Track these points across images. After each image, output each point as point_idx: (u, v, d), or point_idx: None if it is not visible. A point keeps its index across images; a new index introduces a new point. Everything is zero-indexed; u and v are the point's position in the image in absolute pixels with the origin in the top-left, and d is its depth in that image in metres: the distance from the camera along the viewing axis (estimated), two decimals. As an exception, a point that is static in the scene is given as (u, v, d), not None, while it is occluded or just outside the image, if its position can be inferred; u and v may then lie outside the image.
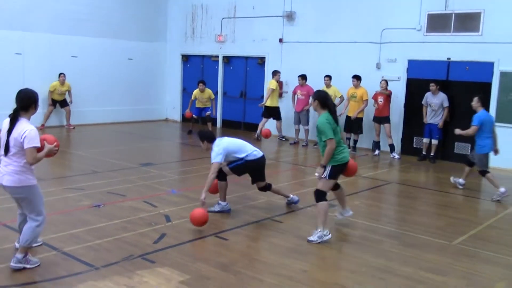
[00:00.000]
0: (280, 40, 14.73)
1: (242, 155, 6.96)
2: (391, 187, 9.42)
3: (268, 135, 12.55)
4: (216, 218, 6.82)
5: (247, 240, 6.11)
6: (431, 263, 5.55)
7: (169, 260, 5.28)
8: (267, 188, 7.33)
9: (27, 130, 4.70)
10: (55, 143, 4.98)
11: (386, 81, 12.06)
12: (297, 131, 13.78)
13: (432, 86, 11.46)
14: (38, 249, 5.43)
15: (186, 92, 17.27)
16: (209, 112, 14.58)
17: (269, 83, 13.93)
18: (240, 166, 7.02)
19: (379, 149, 12.42)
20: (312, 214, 7.27)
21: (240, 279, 4.93)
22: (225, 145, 6.90)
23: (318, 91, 6.53)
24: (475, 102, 8.77)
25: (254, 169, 7.12)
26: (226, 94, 16.40)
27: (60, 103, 14.65)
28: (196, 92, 14.61)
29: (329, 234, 6.06)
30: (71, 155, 11.24)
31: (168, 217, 6.74)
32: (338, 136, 6.17)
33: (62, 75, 14.42)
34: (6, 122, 4.85)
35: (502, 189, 8.45)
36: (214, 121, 16.20)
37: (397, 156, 12.03)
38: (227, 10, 15.92)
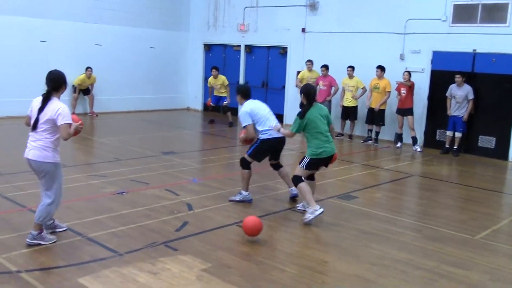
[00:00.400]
0: (303, 30, 14.65)
1: (259, 128, 6.93)
2: (413, 179, 9.35)
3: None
4: (237, 208, 6.86)
5: (269, 230, 6.12)
6: (453, 256, 5.51)
7: (191, 248, 5.33)
8: (277, 166, 7.26)
9: (61, 107, 5.00)
10: (80, 121, 5.20)
11: (409, 73, 11.91)
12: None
13: (458, 78, 11.27)
14: (63, 234, 5.53)
15: (208, 81, 17.29)
16: (226, 101, 14.49)
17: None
18: (257, 149, 6.99)
19: (401, 141, 12.31)
20: (334, 205, 7.27)
21: (262, 269, 4.96)
22: (248, 110, 6.95)
23: (305, 85, 6.84)
24: None
25: (269, 149, 7.05)
26: (248, 83, 16.37)
27: (83, 91, 14.84)
28: (210, 79, 14.68)
29: (319, 208, 6.28)
30: (94, 143, 11.38)
31: (190, 205, 6.80)
32: (320, 129, 6.40)
33: (89, 69, 14.59)
34: (37, 101, 5.12)
35: None
36: (234, 110, 16.24)
37: (419, 149, 11.91)
38: (249, -1, 15.90)
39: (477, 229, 6.51)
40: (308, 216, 6.29)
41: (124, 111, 15.96)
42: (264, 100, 15.86)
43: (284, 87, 15.43)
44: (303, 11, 14.56)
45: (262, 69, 16.07)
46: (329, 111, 13.13)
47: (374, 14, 13.13)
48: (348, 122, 13.28)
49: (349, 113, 13.07)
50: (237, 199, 7.12)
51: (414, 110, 12.07)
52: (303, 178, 6.53)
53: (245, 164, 7.04)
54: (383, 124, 12.53)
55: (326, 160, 6.60)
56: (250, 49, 16.22)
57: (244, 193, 7.14)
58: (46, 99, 5.05)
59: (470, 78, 11.49)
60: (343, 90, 13.09)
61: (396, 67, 12.55)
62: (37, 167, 5.10)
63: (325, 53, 13.94)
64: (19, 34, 13.58)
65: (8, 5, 13.31)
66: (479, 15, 11.50)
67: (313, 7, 14.30)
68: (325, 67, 13.25)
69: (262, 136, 6.96)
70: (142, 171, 8.62)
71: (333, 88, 13.26)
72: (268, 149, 7.04)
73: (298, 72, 14.80)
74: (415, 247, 5.76)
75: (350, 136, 13.10)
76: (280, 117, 15.33)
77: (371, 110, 12.52)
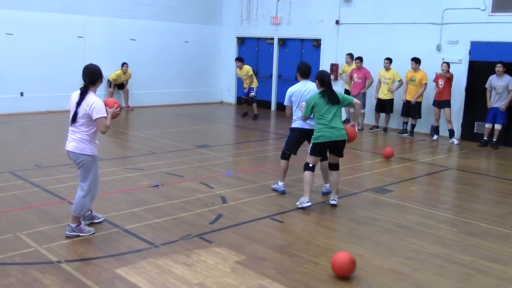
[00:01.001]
0: (337, 22, 14.51)
1: (293, 116, 6.99)
2: (450, 173, 9.17)
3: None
4: (271, 201, 6.88)
5: (302, 223, 6.13)
6: (491, 251, 5.40)
7: (225, 241, 5.38)
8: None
9: (95, 102, 5.13)
10: (116, 105, 5.34)
11: (448, 64, 11.65)
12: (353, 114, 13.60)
13: (500, 67, 10.94)
14: (101, 226, 5.67)
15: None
16: (253, 93, 14.39)
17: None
18: (288, 140, 7.13)
19: (438, 134, 12.08)
20: (369, 199, 7.21)
21: (295, 262, 4.97)
22: (290, 92, 6.98)
23: (319, 71, 6.78)
24: None
25: (299, 139, 7.06)
26: (281, 77, 16.36)
27: (118, 85, 15.11)
28: (237, 70, 14.66)
29: (308, 201, 6.45)
30: (130, 136, 11.59)
31: (224, 198, 6.86)
32: (323, 112, 6.40)
33: (125, 64, 14.83)
34: (75, 94, 5.27)
35: None
36: (265, 103, 16.30)
37: (456, 142, 11.67)
38: (283, -9, 15.82)
39: (517, 223, 6.35)
40: (297, 204, 6.56)
41: (159, 105, 16.17)
42: (298, 93, 15.97)
43: (317, 79, 15.31)
44: (337, 2, 14.41)
45: (296, 62, 15.89)
46: (364, 104, 13.22)
47: (410, 5, 12.89)
48: (383, 114, 13.10)
49: (384, 105, 12.90)
50: (272, 187, 7.33)
51: (451, 102, 11.82)
52: (310, 165, 6.57)
53: (283, 155, 7.17)
54: (420, 117, 12.32)
55: (330, 146, 6.51)
56: (283, 42, 16.17)
57: (280, 183, 7.28)
58: (83, 93, 5.19)
59: (510, 68, 11.16)
60: (379, 82, 12.92)
61: (433, 59, 12.31)
62: (75, 158, 5.29)
63: (360, 45, 13.77)
64: (57, 30, 13.91)
65: (47, 2, 13.63)
66: (519, 3, 11.16)
67: (347, -2, 14.14)
68: (359, 59, 13.09)
69: (292, 124, 7.04)
70: (176, 164, 8.73)
71: (367, 80, 13.11)
72: (298, 138, 7.05)
73: (332, 65, 14.70)
74: (452, 242, 5.67)
75: (385, 129, 12.93)
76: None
77: (407, 103, 12.32)
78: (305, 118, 6.75)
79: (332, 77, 14.68)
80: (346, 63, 13.79)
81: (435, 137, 12.06)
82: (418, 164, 9.59)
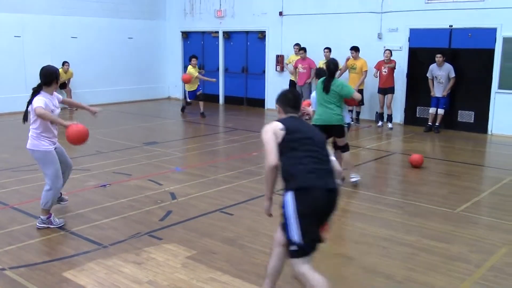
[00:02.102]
0: (280, 14, 14.60)
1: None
2: (395, 157, 9.45)
3: None
4: (221, 195, 6.88)
5: (253, 214, 6.16)
6: (434, 231, 5.61)
7: (175, 237, 5.35)
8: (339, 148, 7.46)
9: (35, 98, 5.32)
10: (69, 128, 5.29)
11: (390, 51, 11.96)
12: (300, 104, 13.74)
13: (439, 58, 11.28)
14: (46, 230, 5.50)
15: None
16: (201, 90, 14.03)
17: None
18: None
19: (382, 120, 12.41)
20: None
21: (246, 253, 5.00)
22: (313, 94, 7.27)
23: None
24: None
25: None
26: (228, 70, 16.34)
27: (60, 85, 14.63)
28: (190, 68, 13.74)
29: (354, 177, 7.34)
30: (76, 136, 11.29)
31: (174, 194, 6.81)
32: (319, 100, 6.98)
33: (66, 63, 14.40)
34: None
35: None
36: (213, 97, 16.26)
37: (390, 126, 12.03)
38: (225, -16, 15.77)
39: (458, 202, 6.62)
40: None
41: (104, 103, 15.76)
42: (245, 86, 16.05)
43: (264, 71, 15.40)
44: (279, -6, 14.50)
45: (242, 54, 16.01)
46: (310, 94, 13.34)
47: (350, -6, 13.14)
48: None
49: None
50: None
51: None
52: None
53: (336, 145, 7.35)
54: (363, 104, 12.59)
55: (324, 129, 6.33)
56: (228, 35, 16.14)
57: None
58: (35, 92, 5.35)
59: (447, 54, 11.56)
60: (320, 72, 13.09)
61: (375, 46, 12.61)
62: (31, 154, 5.53)
63: (304, 36, 13.93)
64: (-8, 30, 13.36)
65: (-21, 1, 13.07)
66: (454, -10, 11.58)
67: (289, -11, 14.24)
68: (303, 49, 13.23)
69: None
70: (124, 162, 8.59)
71: (312, 70, 13.26)
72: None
73: (278, 56, 14.81)
74: (397, 224, 5.85)
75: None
76: (261, 102, 15.40)
77: None
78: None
79: (278, 68, 14.82)
80: (294, 53, 13.87)
81: (380, 123, 12.37)
82: (364, 150, 9.82)
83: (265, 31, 15.15)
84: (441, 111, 11.56)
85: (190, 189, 7.06)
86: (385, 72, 12.01)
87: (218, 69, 16.36)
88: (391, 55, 11.94)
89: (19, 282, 4.36)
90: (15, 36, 13.82)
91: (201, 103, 13.80)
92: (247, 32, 15.74)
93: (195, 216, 6.03)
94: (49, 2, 14.35)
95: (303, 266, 3.54)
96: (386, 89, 12.10)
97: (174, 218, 5.94)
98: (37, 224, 5.55)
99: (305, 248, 3.55)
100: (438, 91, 11.49)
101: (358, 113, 12.73)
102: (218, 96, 16.56)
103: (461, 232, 5.59)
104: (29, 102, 5.34)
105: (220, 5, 15.95)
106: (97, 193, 6.89)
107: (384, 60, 11.98)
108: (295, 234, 3.55)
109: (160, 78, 17.69)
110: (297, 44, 13.68)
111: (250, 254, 4.99)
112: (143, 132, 11.81)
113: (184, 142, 11.08)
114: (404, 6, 12.27)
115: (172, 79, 17.73)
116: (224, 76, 16.43)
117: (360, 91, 12.45)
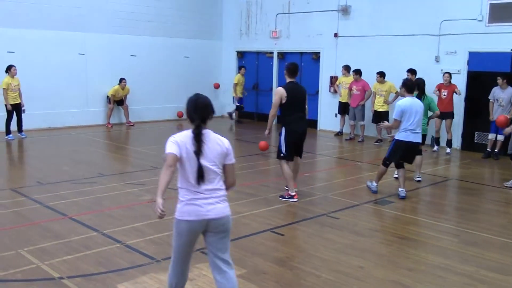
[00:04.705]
0: (335, 35, 14.61)
1: (401, 126, 7.55)
2: (451, 183, 9.18)
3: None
4: (272, 214, 6.88)
5: (303, 235, 6.13)
6: (493, 261, 5.40)
7: (226, 254, 5.38)
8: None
9: (225, 140, 3.98)
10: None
11: (450, 74, 11.71)
12: (353, 126, 13.66)
13: (499, 80, 10.97)
14: (102, 242, 5.67)
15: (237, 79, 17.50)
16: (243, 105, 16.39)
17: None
18: (392, 148, 7.72)
19: (438, 145, 12.10)
20: (370, 210, 7.22)
21: (296, 274, 4.97)
22: (402, 106, 7.50)
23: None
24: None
25: (401, 150, 7.65)
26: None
27: (117, 102, 15.14)
28: (238, 76, 16.11)
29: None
30: (131, 151, 11.61)
31: (225, 212, 6.86)
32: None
33: (123, 80, 14.89)
34: (183, 137, 3.81)
35: None
36: (266, 117, 16.32)
37: (448, 151, 11.72)
38: (281, 5, 15.94)
39: (518, 233, 6.35)
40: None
41: (159, 120, 16.23)
42: (298, 106, 16.02)
43: (317, 92, 15.39)
44: (335, 15, 14.53)
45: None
46: (363, 116, 13.26)
47: (407, 17, 13.00)
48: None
49: (381, 117, 12.90)
50: (368, 183, 8.22)
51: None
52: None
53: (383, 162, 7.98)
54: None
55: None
56: (283, 55, 16.28)
57: (374, 183, 8.10)
58: (199, 133, 3.78)
59: (509, 78, 11.18)
60: (374, 95, 12.98)
61: (431, 70, 12.38)
62: (225, 223, 3.94)
63: (358, 57, 13.86)
64: (58, 47, 14.00)
65: (49, 20, 13.74)
66: (516, 14, 11.25)
67: (345, 11, 14.26)
68: (357, 71, 13.17)
69: (398, 137, 7.60)
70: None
71: (366, 92, 13.17)
72: (402, 152, 7.69)
73: (331, 77, 14.79)
74: (453, 252, 5.67)
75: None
76: (314, 123, 15.37)
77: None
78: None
79: (331, 89, 14.80)
80: (342, 74, 13.87)
81: (435, 148, 12.07)
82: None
83: (319, 52, 15.18)
84: (500, 137, 11.13)
85: (242, 208, 7.10)
86: (444, 95, 11.73)
87: (271, 88, 16.47)
88: (451, 78, 11.68)
89: (76, 291, 4.50)
90: (79, 54, 14.46)
91: (237, 113, 15.86)
92: (301, 53, 15.82)
93: (246, 235, 6.05)
94: (110, 21, 14.94)
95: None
96: (445, 114, 11.75)
97: (225, 236, 5.97)
98: None
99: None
100: (498, 114, 11.09)
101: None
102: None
103: (522, 264, 5.36)
104: (199, 149, 3.73)
105: (276, 26, 16.13)
106: (152, 208, 7.01)
107: (443, 83, 11.72)
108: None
109: (215, 97, 17.96)
110: (345, 66, 13.67)
111: (300, 276, 4.95)
112: (196, 149, 11.97)
113: (237, 161, 11.13)
114: (463, 29, 12.02)
115: (226, 97, 17.97)
116: (277, 96, 16.49)
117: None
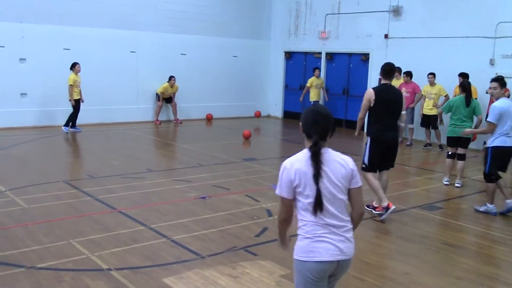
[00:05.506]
0: (386, 36, 14.39)
1: (497, 129, 6.91)
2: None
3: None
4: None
5: (348, 238, 6.06)
6: (547, 274, 5.19)
7: (270, 254, 5.39)
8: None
9: (349, 159, 3.15)
10: None
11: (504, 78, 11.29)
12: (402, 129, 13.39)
13: None
14: (149, 236, 5.79)
15: (288, 89, 17.48)
16: None
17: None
18: (491, 158, 7.04)
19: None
20: (418, 216, 7.07)
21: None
22: (500, 108, 6.83)
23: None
24: None
25: (500, 158, 7.06)
26: (329, 91, 16.30)
27: (166, 99, 15.43)
28: (313, 79, 15.29)
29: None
30: (178, 148, 11.81)
31: (270, 211, 6.89)
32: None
33: (172, 78, 15.15)
34: (297, 164, 3.24)
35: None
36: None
37: None
38: (331, 6, 15.83)
39: None
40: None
41: (206, 118, 16.43)
42: (345, 107, 15.92)
43: (365, 94, 15.18)
44: (386, 16, 14.31)
45: (343, 76, 15.94)
46: (412, 119, 12.99)
47: (461, 18, 12.65)
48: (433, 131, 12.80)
49: (430, 121, 12.61)
50: (481, 209, 7.28)
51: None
52: (450, 153, 8.95)
53: (487, 178, 7.20)
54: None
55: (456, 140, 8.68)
56: (331, 56, 16.16)
57: (490, 205, 7.24)
58: (317, 153, 3.10)
59: None
60: (424, 98, 12.69)
61: (486, 73, 11.97)
62: (347, 267, 3.22)
63: (409, 59, 13.58)
64: (112, 45, 14.39)
65: (103, 18, 14.15)
66: None
67: (396, 12, 14.02)
68: (408, 73, 12.91)
69: (493, 143, 6.99)
70: (223, 177, 8.84)
71: (416, 95, 12.90)
72: (498, 158, 7.11)
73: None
74: (503, 262, 5.49)
75: (441, 146, 12.50)
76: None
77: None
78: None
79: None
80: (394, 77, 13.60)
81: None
82: (468, 181, 9.33)
83: (368, 54, 14.98)
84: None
85: (287, 208, 7.08)
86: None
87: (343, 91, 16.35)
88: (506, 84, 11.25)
89: (123, 283, 4.62)
90: (130, 52, 14.81)
91: None
92: (350, 54, 15.66)
93: (291, 235, 6.03)
94: (161, 20, 15.22)
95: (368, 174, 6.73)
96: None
97: (269, 235, 6.00)
98: None
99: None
100: None
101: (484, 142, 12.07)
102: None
103: None
104: (317, 173, 3.06)
105: (325, 26, 16.03)
106: (197, 205, 7.13)
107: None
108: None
109: (262, 97, 18.05)
110: (397, 68, 13.41)
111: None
112: (243, 148, 12.08)
113: (282, 160, 11.12)
114: (521, 31, 11.61)
115: (273, 97, 18.01)
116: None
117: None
